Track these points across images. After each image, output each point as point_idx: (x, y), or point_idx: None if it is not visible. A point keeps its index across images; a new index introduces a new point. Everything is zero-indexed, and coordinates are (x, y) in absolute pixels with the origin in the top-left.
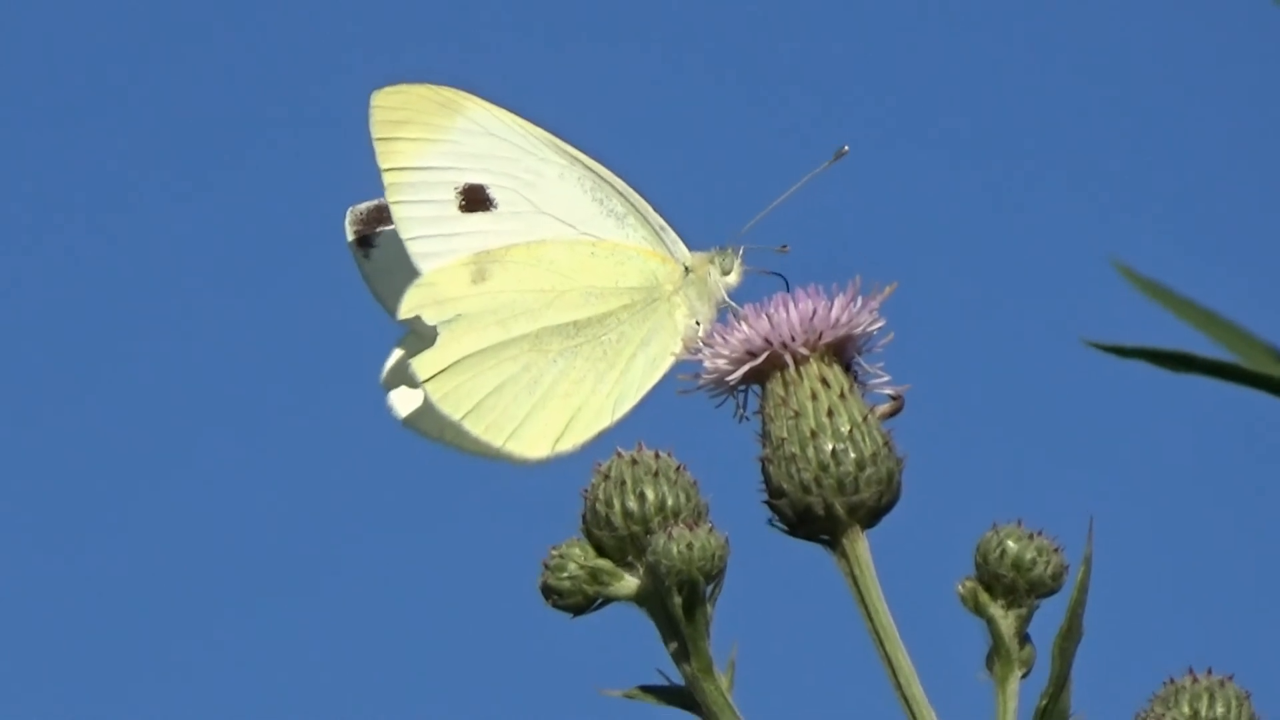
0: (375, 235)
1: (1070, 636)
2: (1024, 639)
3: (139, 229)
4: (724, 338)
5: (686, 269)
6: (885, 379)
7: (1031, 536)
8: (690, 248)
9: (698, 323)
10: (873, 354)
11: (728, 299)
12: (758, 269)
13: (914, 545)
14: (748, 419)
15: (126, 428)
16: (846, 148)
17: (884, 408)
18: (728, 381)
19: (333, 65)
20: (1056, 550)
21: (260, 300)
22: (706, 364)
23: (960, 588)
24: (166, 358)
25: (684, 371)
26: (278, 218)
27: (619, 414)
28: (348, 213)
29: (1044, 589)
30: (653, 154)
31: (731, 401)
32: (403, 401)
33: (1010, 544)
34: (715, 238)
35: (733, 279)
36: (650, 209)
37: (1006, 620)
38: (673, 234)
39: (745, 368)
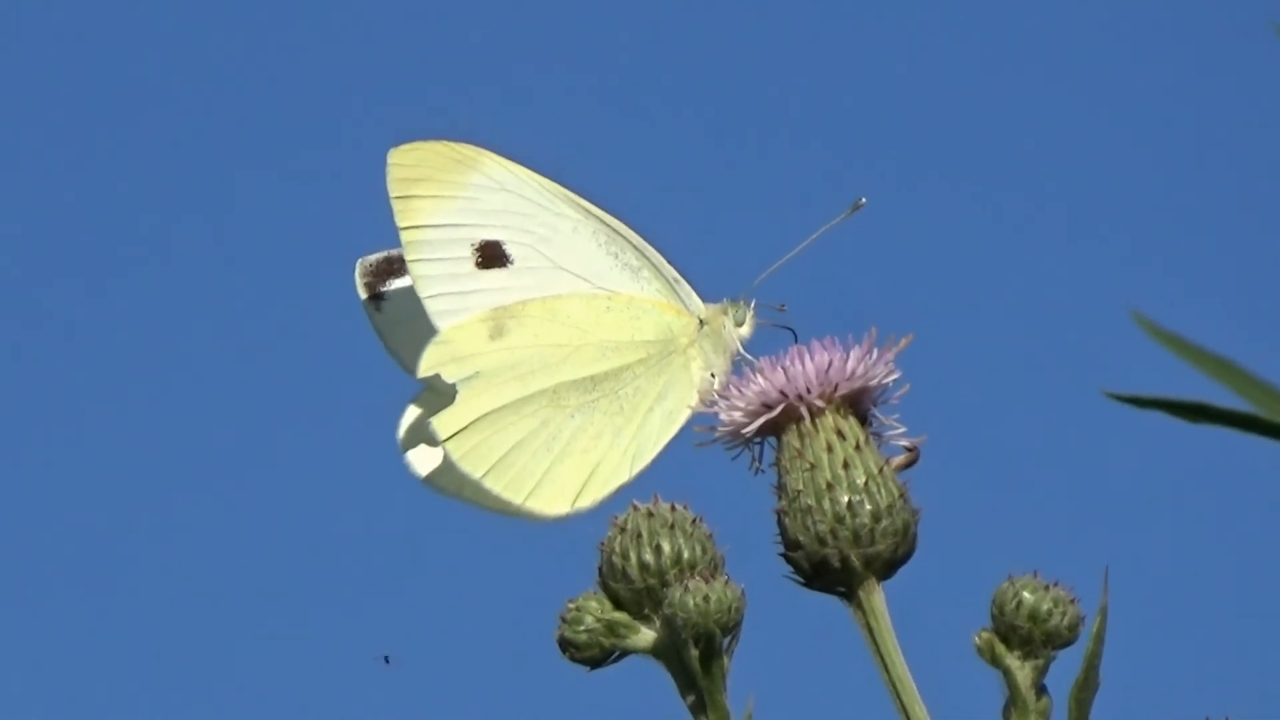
0: (387, 288)
1: (1087, 687)
2: (1041, 690)
3: (151, 281)
4: (740, 390)
5: (701, 321)
6: (901, 430)
7: (1047, 588)
8: (704, 300)
9: (713, 375)
10: (888, 405)
11: (742, 351)
12: (770, 321)
13: (930, 597)
14: (764, 471)
15: (137, 491)
16: (864, 200)
17: (900, 459)
18: (744, 434)
19: (349, 118)
20: (1072, 601)
21: (275, 348)
22: (722, 416)
23: (977, 639)
24: (178, 414)
25: (700, 424)
26: (290, 268)
27: (637, 468)
28: (357, 265)
29: (1060, 640)
30: (665, 207)
31: (747, 454)
32: (421, 460)
33: (1026, 595)
34: (729, 289)
35: (746, 330)
36: (664, 262)
37: (1023, 671)
38: (687, 286)
39: (761, 420)
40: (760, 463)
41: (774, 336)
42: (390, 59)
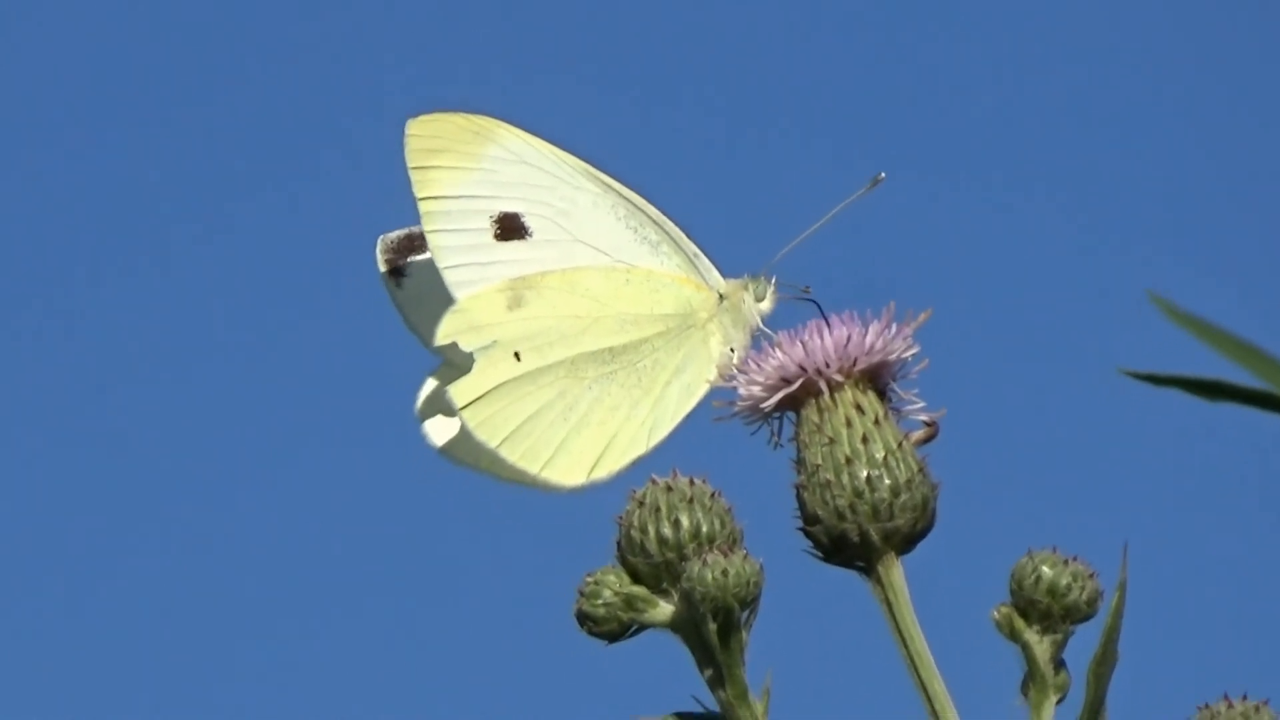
0: (407, 264)
1: (1105, 662)
2: (1059, 665)
3: (168, 262)
4: (759, 364)
5: (721, 296)
6: (920, 405)
7: (1066, 562)
8: (724, 275)
9: (732, 350)
10: (907, 380)
11: (762, 326)
12: (791, 295)
13: (949, 571)
14: (782, 446)
15: (160, 457)
16: (883, 175)
17: (919, 434)
18: (762, 408)
19: (367, 92)
20: (1091, 576)
21: (295, 328)
22: (741, 391)
23: (995, 613)
24: (199, 389)
25: (718, 398)
26: (311, 244)
27: (654, 441)
28: (379, 241)
29: (1079, 614)
30: (686, 181)
31: (766, 428)
32: (438, 430)
33: (1045, 570)
34: (750, 265)
35: (766, 305)
36: (684, 236)
37: (1041, 646)
38: (706, 261)
39: (780, 394)
40: (779, 438)
41: (797, 311)
42: (406, 39)
